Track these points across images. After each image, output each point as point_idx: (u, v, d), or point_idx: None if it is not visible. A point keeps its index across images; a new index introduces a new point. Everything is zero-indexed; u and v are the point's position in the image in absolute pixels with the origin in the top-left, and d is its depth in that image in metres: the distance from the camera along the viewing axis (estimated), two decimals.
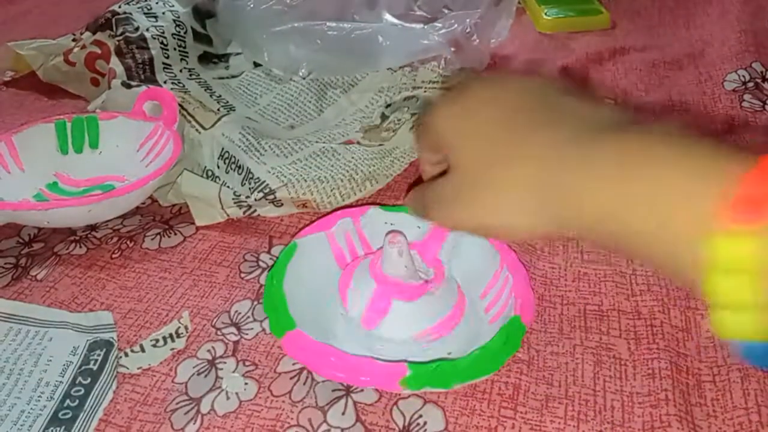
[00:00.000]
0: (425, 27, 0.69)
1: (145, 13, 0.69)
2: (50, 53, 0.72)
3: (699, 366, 0.41)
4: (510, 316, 0.40)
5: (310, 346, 0.38)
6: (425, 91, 0.66)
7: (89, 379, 0.41)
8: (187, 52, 0.71)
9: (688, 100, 0.69)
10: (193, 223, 0.53)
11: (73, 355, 0.42)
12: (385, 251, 0.42)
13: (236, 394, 0.40)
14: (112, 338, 0.44)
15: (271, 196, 0.53)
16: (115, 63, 0.65)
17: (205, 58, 0.73)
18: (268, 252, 0.51)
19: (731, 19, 0.81)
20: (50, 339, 0.44)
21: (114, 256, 0.51)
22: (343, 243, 0.47)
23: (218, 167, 0.57)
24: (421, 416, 0.39)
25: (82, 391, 0.40)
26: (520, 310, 0.40)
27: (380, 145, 0.60)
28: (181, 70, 0.69)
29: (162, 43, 0.68)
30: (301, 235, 0.46)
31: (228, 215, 0.53)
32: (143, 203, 0.56)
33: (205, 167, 0.58)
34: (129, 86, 0.63)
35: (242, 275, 0.49)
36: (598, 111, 0.31)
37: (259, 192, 0.53)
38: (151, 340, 0.44)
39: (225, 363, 0.42)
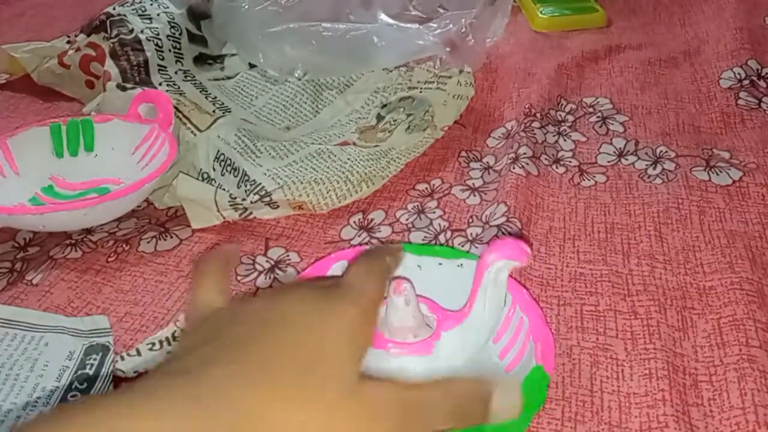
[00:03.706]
0: (420, 27, 0.68)
1: (139, 15, 0.69)
2: (45, 56, 0.71)
3: (696, 366, 0.41)
4: (531, 365, 0.37)
5: None
6: (421, 92, 0.66)
7: (86, 384, 0.41)
8: (182, 54, 0.71)
9: (683, 98, 0.69)
10: (189, 226, 0.53)
11: (70, 360, 0.42)
12: (389, 301, 0.38)
13: None
14: (109, 342, 0.44)
15: (267, 199, 0.53)
16: (109, 65, 0.65)
17: (201, 60, 0.73)
18: (265, 255, 0.51)
19: (727, 16, 0.81)
20: (46, 344, 0.44)
21: (110, 259, 0.51)
22: None
23: (214, 169, 0.57)
24: None
25: (79, 396, 0.40)
26: (541, 359, 0.37)
27: (376, 146, 0.60)
28: (176, 72, 0.69)
29: (157, 44, 0.68)
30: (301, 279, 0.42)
31: (224, 218, 0.53)
32: (139, 206, 0.55)
33: (201, 170, 0.57)
34: (124, 88, 0.63)
35: (238, 278, 0.49)
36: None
37: (254, 194, 0.53)
38: (147, 344, 0.44)
39: None
